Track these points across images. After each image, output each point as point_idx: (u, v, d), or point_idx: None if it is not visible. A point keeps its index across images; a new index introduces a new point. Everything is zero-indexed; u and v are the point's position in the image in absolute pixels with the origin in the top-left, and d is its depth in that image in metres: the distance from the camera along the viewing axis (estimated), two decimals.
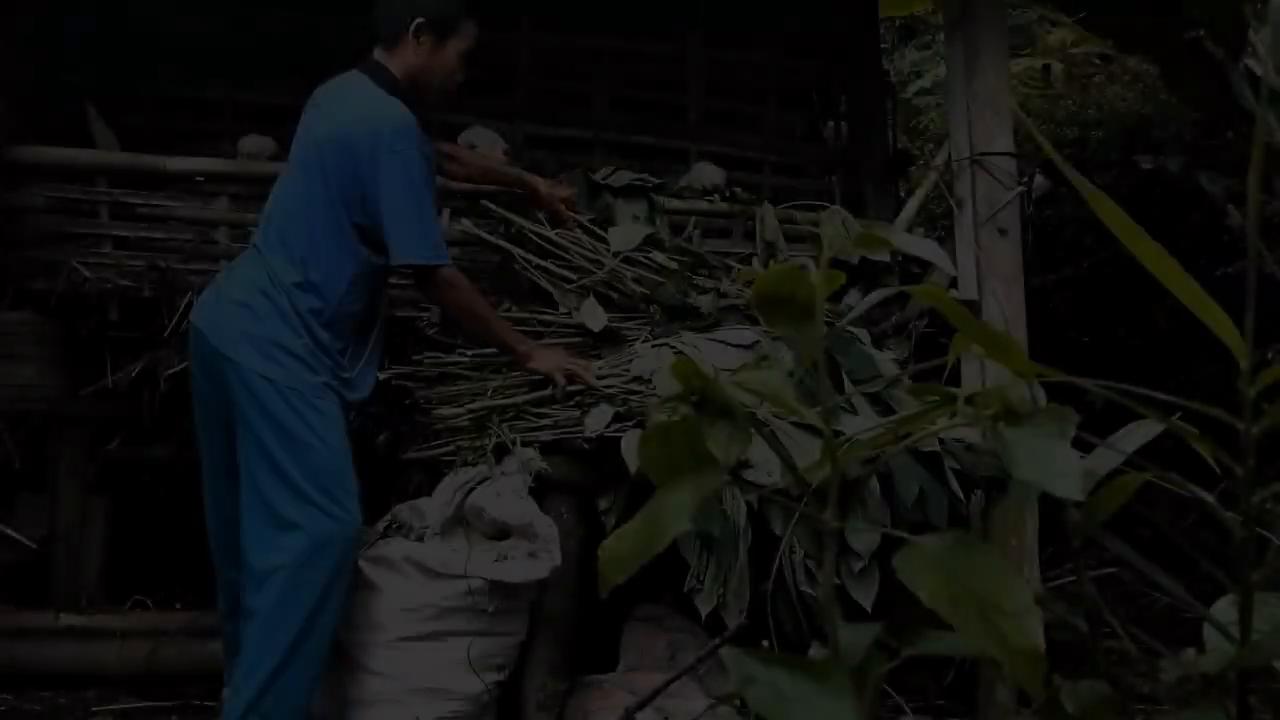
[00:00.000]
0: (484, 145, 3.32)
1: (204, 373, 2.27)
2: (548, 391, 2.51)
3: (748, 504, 2.27)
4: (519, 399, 2.53)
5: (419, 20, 2.33)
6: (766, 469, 2.18)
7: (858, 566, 2.24)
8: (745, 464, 2.13)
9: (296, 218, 2.27)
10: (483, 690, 2.28)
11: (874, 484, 2.28)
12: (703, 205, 3.21)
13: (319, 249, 2.26)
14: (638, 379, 2.53)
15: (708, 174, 3.34)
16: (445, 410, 2.57)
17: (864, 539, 2.25)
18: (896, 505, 2.29)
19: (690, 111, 4.13)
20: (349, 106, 2.30)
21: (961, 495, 2.39)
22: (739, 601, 2.19)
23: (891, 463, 2.27)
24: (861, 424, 2.27)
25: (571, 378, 2.45)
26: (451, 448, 2.51)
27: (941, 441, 2.39)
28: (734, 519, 2.24)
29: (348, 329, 2.31)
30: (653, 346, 2.65)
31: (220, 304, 2.24)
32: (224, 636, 2.40)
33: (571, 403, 2.49)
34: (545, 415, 2.51)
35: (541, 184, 2.80)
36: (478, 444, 2.47)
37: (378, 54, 2.38)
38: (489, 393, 2.57)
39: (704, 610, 2.20)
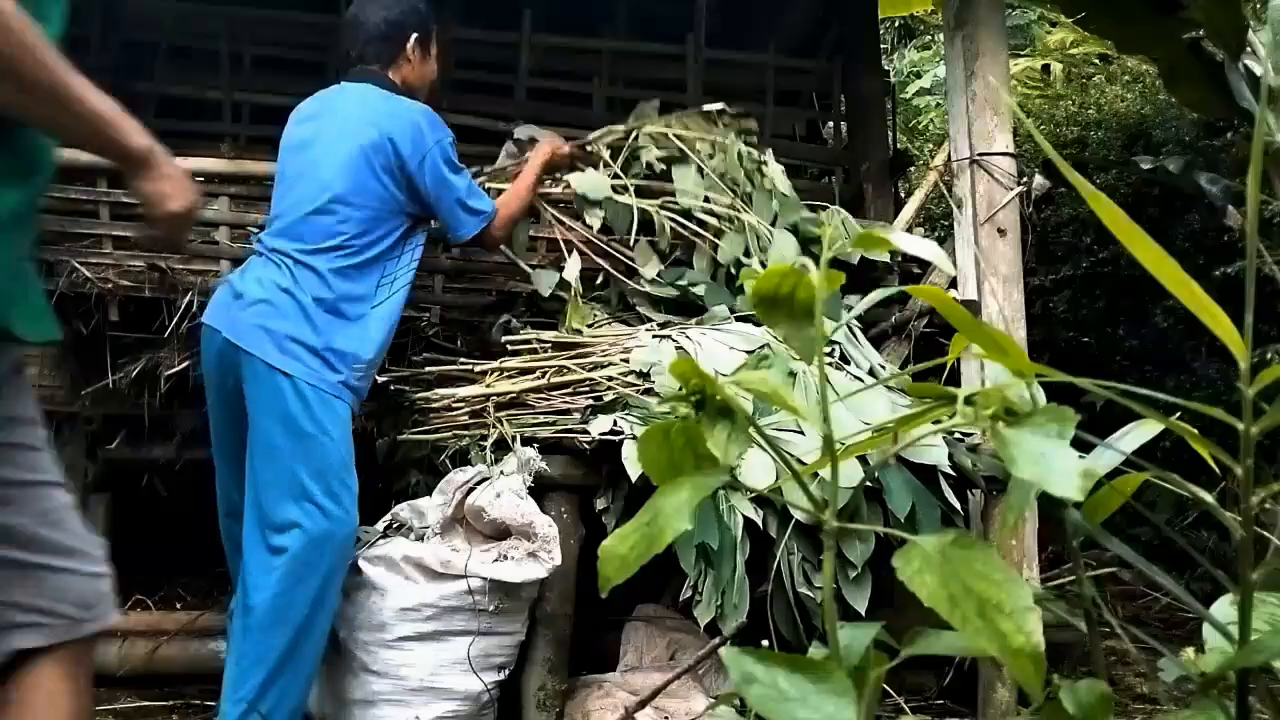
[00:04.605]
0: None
1: (217, 370, 2.29)
2: (543, 381, 2.55)
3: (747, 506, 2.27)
4: (517, 388, 2.55)
5: (415, 36, 2.49)
6: (763, 471, 2.18)
7: (852, 574, 2.25)
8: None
9: (334, 214, 2.31)
10: (483, 690, 2.28)
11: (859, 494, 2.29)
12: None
13: (364, 241, 2.32)
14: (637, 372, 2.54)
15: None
16: (442, 396, 2.59)
17: (858, 547, 2.25)
18: (888, 516, 2.29)
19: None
20: (379, 110, 2.38)
21: (958, 506, 2.38)
22: (737, 614, 2.19)
23: (884, 475, 2.28)
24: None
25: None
26: (451, 435, 2.52)
27: (946, 438, 2.39)
28: (730, 530, 2.24)
29: (389, 318, 2.38)
30: (654, 337, 2.65)
31: (238, 301, 2.26)
32: (228, 634, 2.40)
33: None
34: (543, 401, 2.54)
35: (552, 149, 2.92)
36: (476, 434, 2.48)
37: (375, 69, 2.48)
38: (486, 381, 2.59)
39: (702, 621, 2.20)
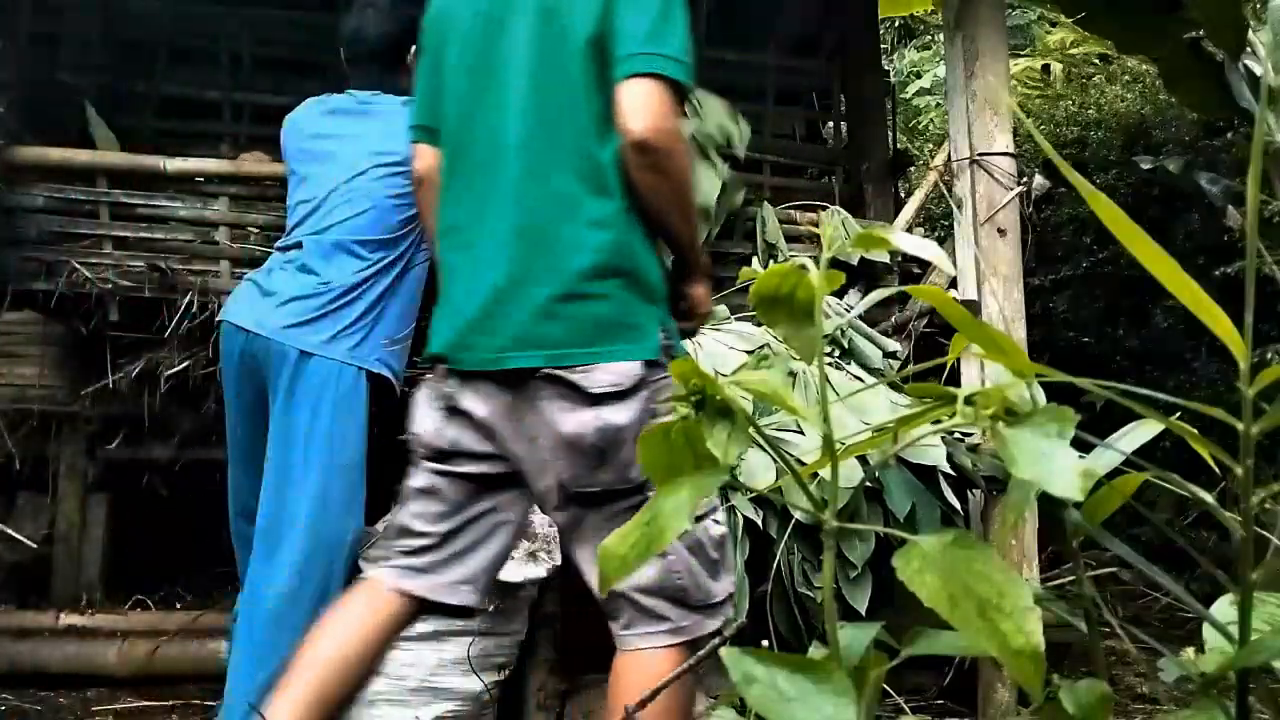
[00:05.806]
0: None
1: (241, 369, 2.30)
2: None
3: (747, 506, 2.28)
4: None
5: (414, 49, 2.51)
6: (763, 470, 2.18)
7: (852, 574, 2.25)
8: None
9: (374, 213, 2.36)
10: (483, 690, 2.28)
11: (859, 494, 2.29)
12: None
13: (394, 236, 2.37)
14: None
15: None
16: None
17: (858, 547, 2.26)
18: (888, 516, 2.29)
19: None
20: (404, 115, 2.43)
21: (958, 506, 2.38)
22: (736, 614, 2.19)
23: (884, 475, 2.28)
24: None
25: None
26: None
27: (946, 438, 2.39)
28: (730, 530, 2.24)
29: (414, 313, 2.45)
30: None
31: (270, 299, 2.28)
32: (232, 634, 2.41)
33: None
34: None
35: None
36: None
37: (383, 78, 2.51)
38: None
39: None
